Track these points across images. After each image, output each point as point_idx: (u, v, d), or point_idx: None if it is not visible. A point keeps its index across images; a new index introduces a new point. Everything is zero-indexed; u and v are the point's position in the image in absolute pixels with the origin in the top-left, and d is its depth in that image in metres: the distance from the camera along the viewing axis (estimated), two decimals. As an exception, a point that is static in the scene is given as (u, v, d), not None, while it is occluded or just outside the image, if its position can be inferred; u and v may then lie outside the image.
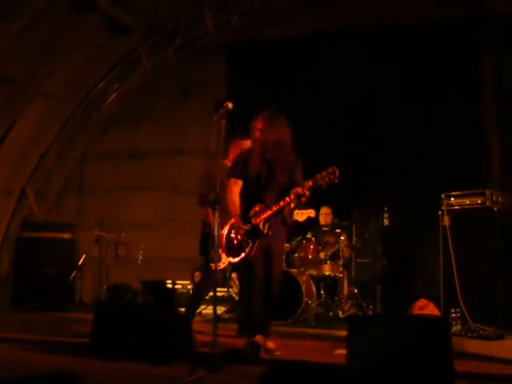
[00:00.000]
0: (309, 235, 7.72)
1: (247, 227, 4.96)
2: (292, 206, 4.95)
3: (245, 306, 5.18)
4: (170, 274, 9.13)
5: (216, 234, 4.24)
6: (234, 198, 5.08)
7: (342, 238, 7.67)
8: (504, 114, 8.21)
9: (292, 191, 4.79)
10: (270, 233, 4.98)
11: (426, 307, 6.19)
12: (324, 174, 4.66)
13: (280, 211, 4.97)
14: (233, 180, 5.13)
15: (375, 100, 8.32)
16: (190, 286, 8.81)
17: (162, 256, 9.31)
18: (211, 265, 5.80)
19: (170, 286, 8.89)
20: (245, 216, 5.03)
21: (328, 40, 8.78)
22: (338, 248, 7.58)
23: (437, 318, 5.41)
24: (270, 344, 5.10)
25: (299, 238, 7.73)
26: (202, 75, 9.60)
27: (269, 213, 4.95)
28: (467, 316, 6.17)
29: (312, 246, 7.57)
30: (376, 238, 7.58)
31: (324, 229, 7.98)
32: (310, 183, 4.71)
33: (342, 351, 4.44)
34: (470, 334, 6.00)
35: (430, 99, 8.16)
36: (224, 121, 4.32)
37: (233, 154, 5.92)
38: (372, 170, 8.13)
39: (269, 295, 5.10)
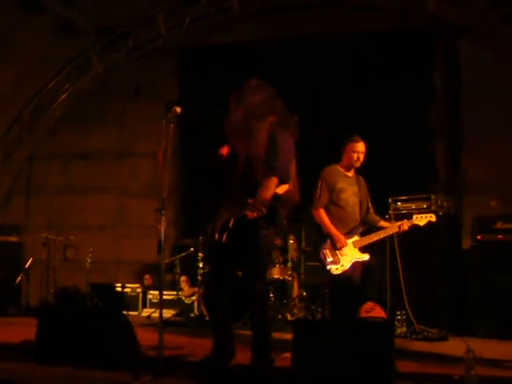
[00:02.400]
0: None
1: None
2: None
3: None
4: (119, 277, 9.07)
5: (162, 239, 4.19)
6: None
7: (291, 241, 7.72)
8: (451, 121, 8.43)
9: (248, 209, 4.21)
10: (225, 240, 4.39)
11: (372, 310, 6.30)
12: None
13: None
14: None
15: (326, 104, 8.42)
16: (139, 290, 8.77)
17: (111, 259, 9.24)
18: (330, 270, 5.65)
19: (119, 289, 8.82)
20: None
21: (280, 46, 8.84)
22: (287, 251, 7.64)
23: (380, 321, 5.53)
24: None
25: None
26: (153, 78, 9.56)
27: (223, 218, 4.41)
28: (412, 318, 6.32)
29: (262, 250, 7.58)
30: (325, 242, 7.62)
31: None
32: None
33: (289, 354, 4.47)
34: (414, 336, 6.16)
35: (380, 105, 8.30)
36: (173, 125, 4.30)
37: (345, 158, 5.82)
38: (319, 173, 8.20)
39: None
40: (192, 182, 9.08)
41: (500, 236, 5.99)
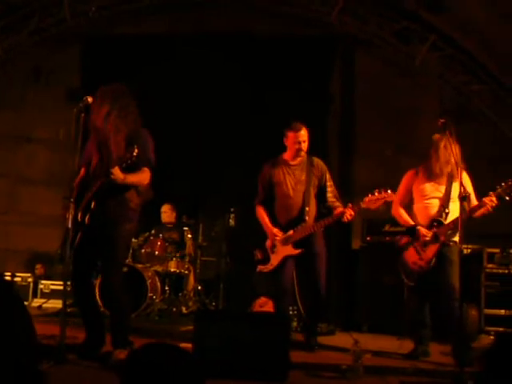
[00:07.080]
0: (153, 231, 7.79)
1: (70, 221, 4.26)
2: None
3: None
4: (9, 266, 8.81)
5: (70, 227, 4.19)
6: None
7: (189, 235, 7.84)
8: (345, 127, 8.85)
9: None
10: (87, 222, 4.37)
11: (265, 305, 6.55)
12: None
13: (95, 198, 4.38)
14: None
15: (226, 103, 8.55)
16: (30, 279, 8.55)
17: (1, 247, 8.95)
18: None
19: (8, 278, 8.57)
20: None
21: (184, 41, 8.87)
22: (184, 245, 7.77)
23: (275, 315, 5.76)
24: None
25: (146, 233, 7.77)
26: (55, 63, 9.29)
27: (85, 200, 4.39)
28: (303, 313, 6.61)
29: (159, 243, 7.66)
30: (221, 238, 7.79)
31: (168, 226, 8.07)
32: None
33: (185, 345, 4.59)
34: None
35: (280, 108, 8.50)
36: (83, 114, 4.32)
37: (289, 148, 5.62)
38: (219, 170, 8.36)
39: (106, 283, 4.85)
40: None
41: (388, 238, 6.36)
